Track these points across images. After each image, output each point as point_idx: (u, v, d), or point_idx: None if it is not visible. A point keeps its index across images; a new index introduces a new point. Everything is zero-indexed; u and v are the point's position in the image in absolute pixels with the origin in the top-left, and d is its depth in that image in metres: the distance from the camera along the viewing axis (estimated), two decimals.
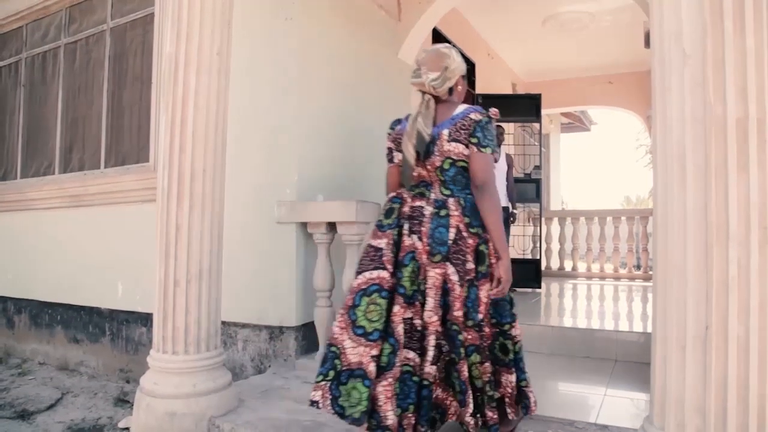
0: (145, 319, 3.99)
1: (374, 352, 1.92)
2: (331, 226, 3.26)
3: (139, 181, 4.06)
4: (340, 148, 3.89)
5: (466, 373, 1.98)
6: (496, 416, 2.05)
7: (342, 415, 1.92)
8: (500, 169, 5.52)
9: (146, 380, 2.60)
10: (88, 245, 4.42)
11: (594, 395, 2.85)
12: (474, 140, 2.06)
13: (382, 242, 2.06)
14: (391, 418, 1.89)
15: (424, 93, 2.15)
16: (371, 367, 1.91)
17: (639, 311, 5.04)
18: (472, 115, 2.08)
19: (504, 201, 5.45)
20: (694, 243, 1.62)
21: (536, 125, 7.06)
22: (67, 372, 4.44)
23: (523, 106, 6.56)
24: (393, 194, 2.19)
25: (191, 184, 2.57)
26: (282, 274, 3.41)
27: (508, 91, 8.20)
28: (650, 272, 7.04)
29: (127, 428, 2.92)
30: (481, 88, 6.78)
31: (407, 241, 2.04)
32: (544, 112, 6.89)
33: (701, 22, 1.62)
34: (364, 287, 2.01)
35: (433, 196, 2.10)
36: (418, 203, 2.09)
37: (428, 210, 2.06)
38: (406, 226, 2.07)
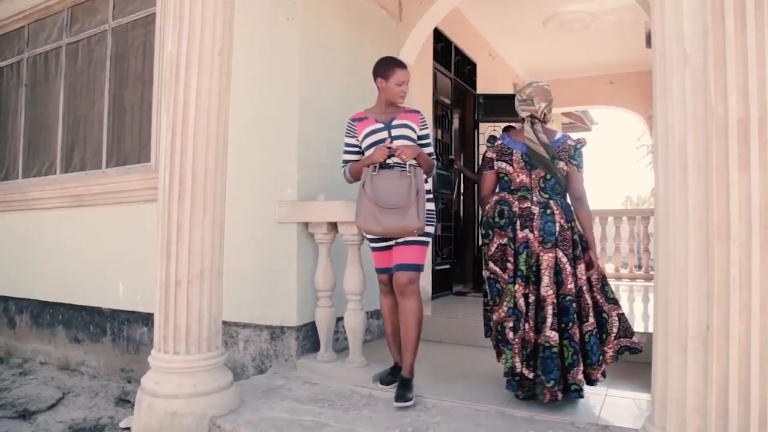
0: (147, 319, 3.99)
1: (510, 324, 2.60)
2: (332, 226, 3.26)
3: (140, 181, 4.07)
4: (342, 148, 3.88)
5: (578, 336, 2.55)
6: (599, 374, 2.61)
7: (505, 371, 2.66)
8: None
9: (147, 380, 2.60)
10: (89, 245, 4.42)
11: (595, 395, 2.84)
12: (574, 162, 2.73)
13: (506, 239, 2.67)
14: (518, 366, 2.58)
15: (532, 117, 2.76)
16: (510, 335, 2.59)
17: (640, 311, 5.04)
18: (570, 141, 2.77)
19: None
20: (696, 243, 1.62)
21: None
22: (68, 372, 4.45)
23: None
24: (497, 198, 2.76)
25: (192, 184, 2.58)
26: (283, 274, 3.41)
27: (509, 91, 8.18)
28: (651, 272, 7.03)
29: (128, 428, 2.92)
30: (482, 87, 6.77)
31: (520, 234, 2.63)
32: None
33: (702, 23, 1.62)
34: (509, 279, 2.63)
35: (535, 198, 2.69)
36: (524, 204, 2.67)
37: (535, 209, 2.66)
38: (518, 223, 2.65)
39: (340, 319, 3.38)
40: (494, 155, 2.82)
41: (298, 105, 3.46)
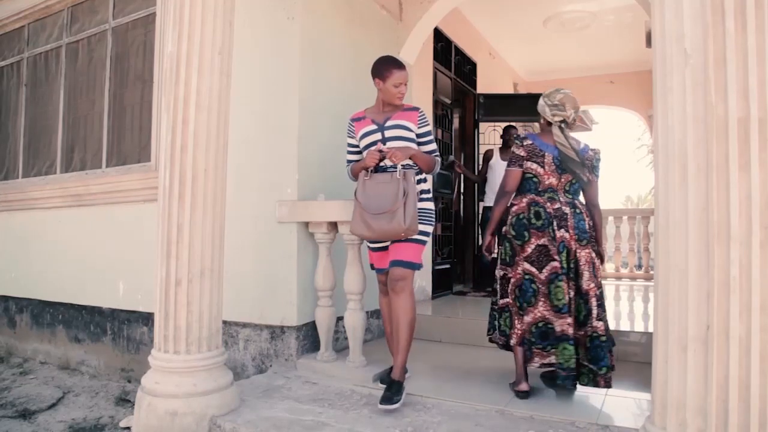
0: (147, 318, 3.99)
1: (569, 320, 2.66)
2: (333, 226, 3.26)
3: (140, 180, 4.07)
4: (342, 147, 3.88)
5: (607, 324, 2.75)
6: (614, 360, 2.75)
7: (561, 367, 2.65)
8: None
9: (147, 379, 2.60)
10: (89, 245, 4.42)
11: (595, 395, 2.84)
12: (596, 173, 2.90)
13: (545, 240, 2.74)
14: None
15: (563, 122, 2.84)
16: (570, 331, 2.64)
17: (640, 311, 5.04)
18: (590, 152, 2.91)
19: None
20: (696, 243, 1.62)
21: (537, 125, 7.05)
22: (69, 371, 4.45)
23: (525, 106, 6.54)
24: (528, 200, 2.82)
25: (192, 183, 2.58)
26: (283, 274, 3.41)
27: (510, 90, 8.20)
28: (652, 272, 7.03)
29: (129, 427, 2.92)
30: (482, 87, 6.77)
31: (558, 233, 2.74)
32: None
33: (703, 22, 1.62)
34: (551, 277, 2.70)
35: (562, 199, 2.81)
36: (556, 206, 2.78)
37: (566, 209, 2.78)
38: (555, 223, 2.74)
39: (340, 318, 3.38)
40: (525, 154, 2.86)
41: (298, 104, 3.46)
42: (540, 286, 2.72)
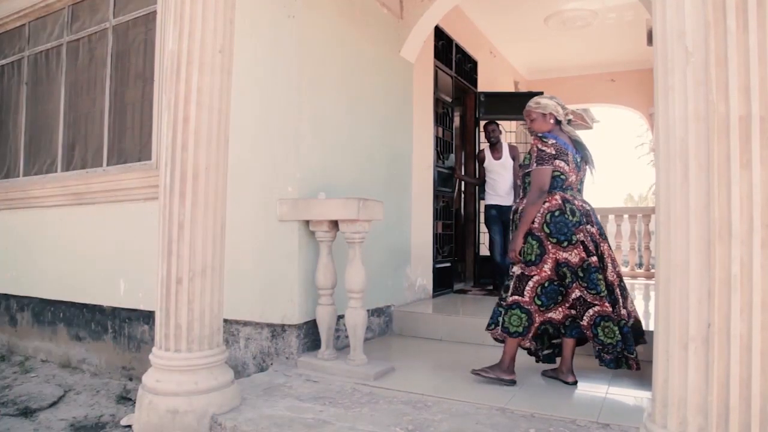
0: (148, 317, 4.00)
1: (611, 309, 2.81)
2: (333, 224, 3.26)
3: (141, 179, 4.07)
4: (342, 145, 3.89)
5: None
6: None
7: (605, 350, 2.82)
8: (506, 165, 5.48)
9: (148, 378, 2.61)
10: (90, 243, 4.43)
11: (596, 393, 2.85)
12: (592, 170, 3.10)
13: (581, 235, 2.86)
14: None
15: (569, 123, 3.07)
16: (614, 316, 2.80)
17: (641, 309, 5.03)
18: None
19: (513, 200, 5.35)
20: (697, 241, 1.62)
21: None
22: (70, 369, 4.46)
23: (525, 104, 6.53)
24: (560, 197, 2.88)
25: (193, 182, 2.58)
26: (284, 272, 3.41)
27: (510, 88, 8.19)
28: (652, 270, 7.03)
29: (130, 426, 2.92)
30: (483, 86, 6.77)
31: (588, 228, 2.88)
32: None
33: (704, 20, 1.62)
34: (592, 269, 2.82)
35: (579, 197, 2.97)
36: (579, 203, 2.92)
37: (588, 206, 2.96)
38: (584, 219, 2.88)
39: (341, 316, 3.38)
40: (554, 152, 2.89)
41: (298, 102, 3.45)
42: (579, 279, 2.83)
